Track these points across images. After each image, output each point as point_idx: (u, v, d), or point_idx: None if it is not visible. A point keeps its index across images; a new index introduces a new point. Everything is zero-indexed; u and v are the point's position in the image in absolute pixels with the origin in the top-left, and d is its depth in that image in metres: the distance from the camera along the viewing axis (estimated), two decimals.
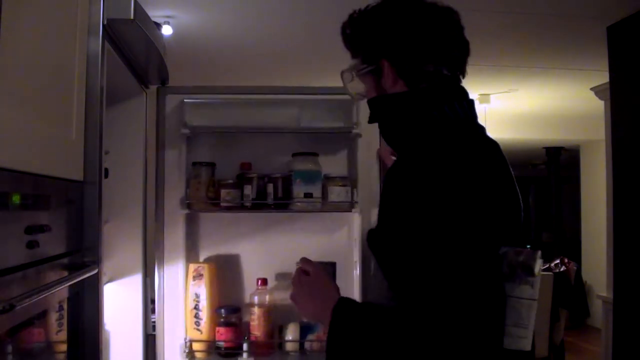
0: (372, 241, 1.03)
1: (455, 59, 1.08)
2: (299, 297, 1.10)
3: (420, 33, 1.05)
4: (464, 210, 0.90)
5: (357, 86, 1.17)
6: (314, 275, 1.10)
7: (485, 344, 0.87)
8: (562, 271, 4.93)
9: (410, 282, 0.91)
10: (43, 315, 1.15)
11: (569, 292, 4.93)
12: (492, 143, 1.07)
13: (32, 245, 1.06)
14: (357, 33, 1.11)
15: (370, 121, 1.16)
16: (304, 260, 1.14)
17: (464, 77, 1.11)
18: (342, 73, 1.18)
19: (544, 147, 7.47)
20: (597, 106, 4.15)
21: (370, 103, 1.14)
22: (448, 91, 1.06)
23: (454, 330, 0.85)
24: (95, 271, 1.39)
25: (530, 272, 0.90)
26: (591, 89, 4.22)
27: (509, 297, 0.91)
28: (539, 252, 0.92)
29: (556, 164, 7.59)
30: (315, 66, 4.42)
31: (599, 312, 4.42)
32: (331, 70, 4.94)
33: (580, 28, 3.40)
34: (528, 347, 0.91)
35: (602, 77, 3.61)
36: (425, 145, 1.01)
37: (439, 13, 1.07)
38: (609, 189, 3.59)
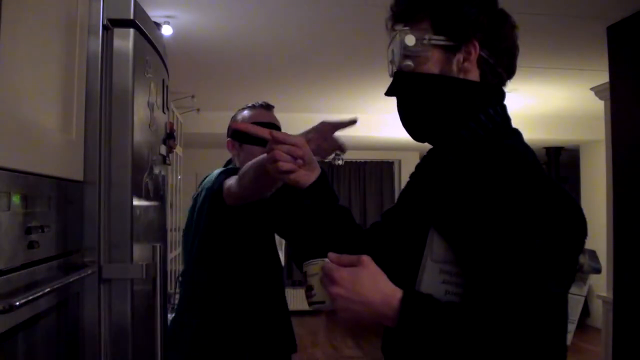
0: (445, 229, 0.97)
1: (513, 72, 1.07)
2: (344, 297, 0.92)
3: (509, 35, 1.03)
4: (556, 212, 0.90)
5: (413, 52, 1.02)
6: (360, 265, 0.93)
7: (555, 346, 0.88)
8: None
9: (494, 280, 0.88)
10: (43, 315, 1.15)
11: None
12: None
13: (32, 245, 1.06)
14: (447, 3, 1.01)
15: (397, 94, 1.07)
16: (333, 255, 0.96)
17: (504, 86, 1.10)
18: (402, 33, 1.01)
19: (544, 147, 7.47)
20: (597, 106, 4.15)
21: (425, 78, 1.02)
22: (503, 94, 1.06)
23: (534, 332, 0.85)
24: (95, 271, 1.39)
25: (598, 270, 0.93)
26: (591, 89, 4.22)
27: (569, 294, 0.93)
28: (595, 251, 0.95)
29: (556, 164, 7.59)
30: (316, 65, 4.42)
31: (599, 312, 4.42)
32: (332, 69, 4.94)
33: (580, 28, 3.40)
34: (569, 342, 0.92)
35: (602, 77, 3.61)
36: (491, 142, 0.99)
37: (513, 24, 1.05)
38: (609, 189, 3.59)
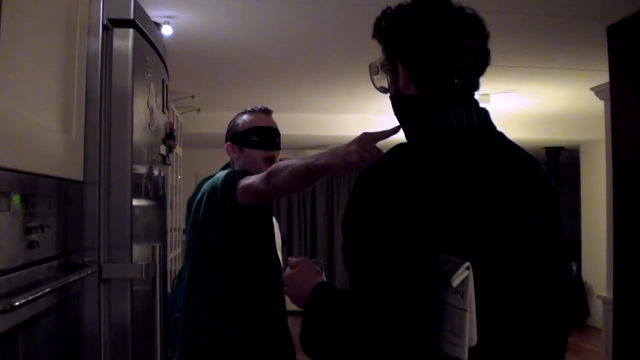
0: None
1: (469, 68, 1.07)
2: (289, 287, 1.16)
3: (435, 40, 1.05)
4: (397, 219, 0.94)
5: (381, 79, 1.20)
6: (300, 265, 1.17)
7: (416, 342, 0.92)
8: None
9: (355, 275, 0.99)
10: (43, 315, 1.15)
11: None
12: (500, 153, 1.06)
13: (32, 245, 1.06)
14: (383, 30, 1.14)
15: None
16: (294, 259, 1.20)
17: (477, 87, 1.11)
18: (370, 65, 1.21)
19: (544, 147, 7.46)
20: (597, 106, 4.15)
21: (390, 98, 1.18)
22: (454, 99, 1.07)
23: (390, 329, 0.92)
24: (95, 271, 1.39)
25: (447, 282, 0.88)
26: (591, 89, 4.22)
27: (446, 304, 0.91)
28: (467, 264, 0.88)
29: (556, 164, 7.58)
30: (316, 65, 4.42)
31: (599, 312, 4.42)
32: (332, 69, 4.94)
33: (580, 28, 3.40)
34: (463, 357, 0.89)
35: (602, 77, 3.61)
36: (406, 149, 1.05)
37: (460, 20, 1.06)
38: (609, 189, 3.59)
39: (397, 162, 1.02)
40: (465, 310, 0.88)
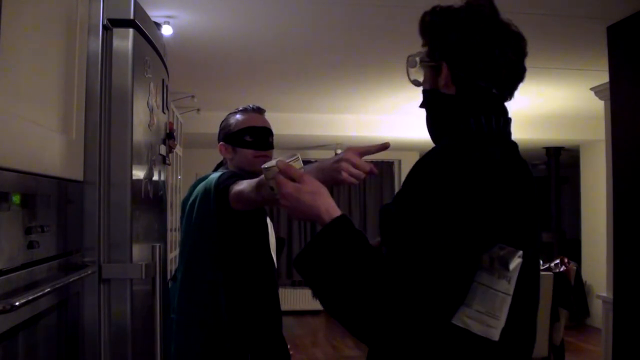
0: (384, 213, 1.12)
1: (507, 82, 1.16)
2: (289, 200, 1.12)
3: (483, 51, 1.11)
4: (461, 209, 1.00)
5: (417, 73, 1.22)
6: (306, 182, 1.13)
7: (434, 315, 0.97)
8: (562, 271, 4.92)
9: (397, 248, 1.03)
10: (43, 315, 1.15)
11: (569, 292, 4.92)
12: (517, 160, 1.14)
13: (32, 245, 1.06)
14: (431, 27, 1.17)
15: (421, 106, 1.23)
16: (282, 164, 1.15)
17: (510, 99, 1.19)
18: (408, 57, 1.21)
19: (544, 147, 7.46)
20: (597, 106, 4.15)
21: (424, 92, 1.21)
22: (489, 105, 1.14)
23: (412, 293, 0.96)
24: (95, 271, 1.39)
25: (506, 267, 0.96)
26: (591, 89, 4.22)
27: (487, 288, 0.98)
28: (520, 252, 0.97)
29: (556, 164, 7.58)
30: (316, 65, 4.42)
31: (599, 312, 4.42)
32: (332, 69, 4.94)
33: (580, 28, 3.40)
34: (496, 338, 0.98)
35: (602, 77, 3.61)
36: (453, 147, 1.10)
37: (507, 35, 1.14)
38: (609, 189, 3.59)
39: (470, 160, 1.06)
40: (509, 295, 0.98)
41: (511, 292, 0.98)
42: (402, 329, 0.97)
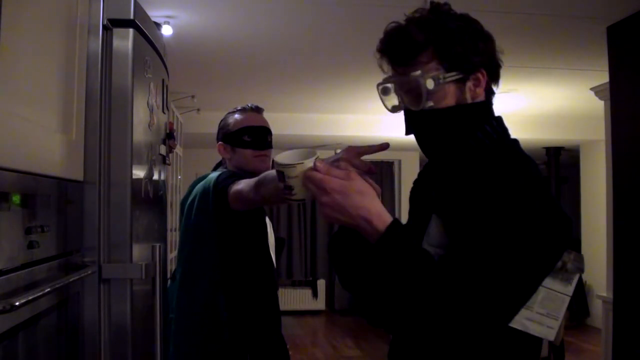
0: (445, 214, 1.08)
1: (498, 84, 1.18)
2: (332, 207, 1.01)
3: (496, 56, 1.15)
4: (542, 212, 1.00)
5: (433, 92, 1.11)
6: (354, 179, 1.03)
7: (494, 320, 0.97)
8: None
9: (467, 252, 0.98)
10: (43, 315, 1.15)
11: None
12: None
13: (32, 245, 1.06)
14: (450, 40, 1.09)
15: (419, 129, 1.19)
16: (321, 164, 1.03)
17: None
18: (419, 78, 1.10)
19: (544, 147, 7.46)
20: (597, 106, 4.15)
21: (444, 112, 1.12)
22: (492, 107, 1.18)
23: (481, 296, 0.95)
24: (95, 271, 1.39)
25: (581, 270, 1.02)
26: (591, 89, 4.22)
27: (549, 290, 1.02)
28: (582, 256, 1.03)
29: (556, 164, 7.58)
30: (316, 65, 4.42)
31: (599, 312, 4.42)
32: (332, 69, 4.93)
33: (580, 28, 3.40)
34: (552, 338, 1.02)
35: (602, 77, 3.61)
36: (502, 150, 1.10)
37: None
38: (609, 189, 3.59)
39: (531, 165, 1.07)
40: (569, 296, 1.02)
41: (571, 294, 1.02)
42: (459, 331, 0.97)
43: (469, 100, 1.11)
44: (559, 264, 1.01)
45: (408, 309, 0.98)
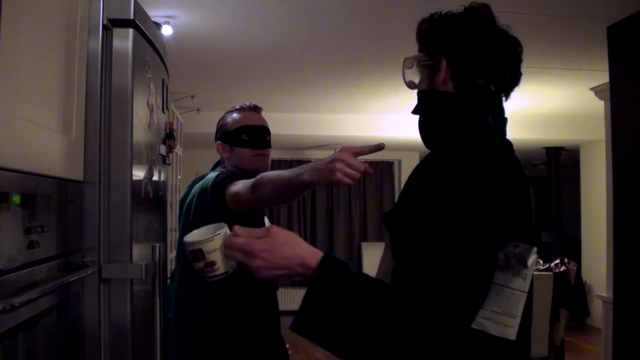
0: (389, 222, 1.11)
1: (505, 81, 1.17)
2: (261, 258, 1.01)
3: (482, 46, 1.14)
4: (472, 211, 1.00)
5: (413, 75, 1.22)
6: (276, 233, 1.03)
7: (456, 322, 0.96)
8: (562, 271, 4.92)
9: (412, 263, 1.00)
10: (43, 315, 1.15)
11: (569, 292, 4.93)
12: (514, 159, 1.15)
13: (32, 245, 1.06)
14: (430, 29, 1.19)
15: (414, 112, 1.22)
16: (240, 229, 1.04)
17: (506, 100, 1.20)
18: (405, 59, 1.21)
19: (544, 147, 7.46)
20: (597, 106, 4.15)
21: (419, 94, 1.21)
22: (487, 104, 1.15)
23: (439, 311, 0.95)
24: (95, 271, 1.39)
25: (524, 265, 0.96)
26: (591, 89, 4.22)
27: (501, 286, 0.97)
28: (535, 248, 0.97)
29: (556, 164, 7.58)
30: (316, 65, 4.42)
31: (599, 312, 4.42)
32: (332, 69, 4.93)
33: (580, 28, 3.40)
34: (513, 337, 0.97)
35: (602, 77, 3.61)
36: (454, 147, 1.10)
37: (505, 38, 1.17)
38: (609, 189, 3.59)
39: (474, 161, 1.07)
40: (525, 293, 0.98)
41: (527, 289, 0.98)
42: (429, 343, 0.95)
43: (438, 88, 1.17)
44: (502, 257, 0.98)
45: (365, 336, 0.96)
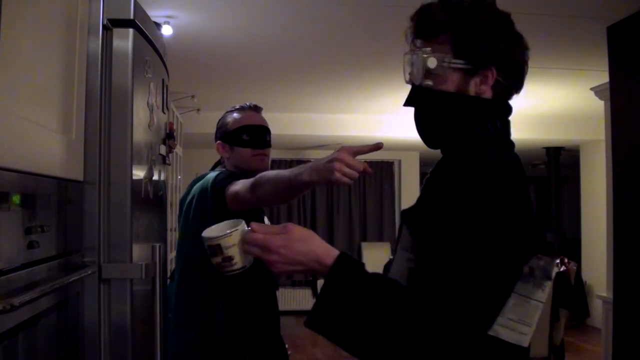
0: (411, 220, 1.10)
1: (521, 87, 1.17)
2: (279, 253, 1.02)
3: (521, 59, 1.14)
4: (498, 219, 0.98)
5: (433, 73, 1.12)
6: (292, 230, 1.04)
7: (471, 328, 0.95)
8: (562, 271, 4.92)
9: (434, 265, 0.98)
10: (43, 315, 1.15)
11: (569, 292, 4.92)
12: (519, 159, 1.15)
13: (32, 245, 1.06)
14: (468, 28, 1.09)
15: (415, 106, 1.17)
16: (257, 225, 1.06)
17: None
18: (424, 55, 1.11)
19: (544, 147, 7.46)
20: (597, 106, 4.15)
21: (441, 96, 1.12)
22: (502, 108, 1.15)
23: (454, 311, 0.94)
24: (95, 271, 1.39)
25: (548, 277, 0.98)
26: (591, 89, 4.22)
27: (520, 295, 0.98)
28: (557, 261, 0.98)
29: (556, 164, 7.58)
30: (315, 65, 4.42)
31: (599, 312, 4.42)
32: (332, 69, 4.93)
33: (580, 28, 3.40)
34: (526, 344, 0.99)
35: (602, 77, 3.61)
36: (479, 153, 1.09)
37: (523, 40, 1.16)
38: (609, 189, 3.59)
39: (504, 168, 1.06)
40: (542, 303, 0.99)
41: (544, 300, 0.99)
42: (441, 345, 0.94)
43: (472, 94, 1.11)
44: (527, 269, 0.99)
45: (379, 335, 0.96)
